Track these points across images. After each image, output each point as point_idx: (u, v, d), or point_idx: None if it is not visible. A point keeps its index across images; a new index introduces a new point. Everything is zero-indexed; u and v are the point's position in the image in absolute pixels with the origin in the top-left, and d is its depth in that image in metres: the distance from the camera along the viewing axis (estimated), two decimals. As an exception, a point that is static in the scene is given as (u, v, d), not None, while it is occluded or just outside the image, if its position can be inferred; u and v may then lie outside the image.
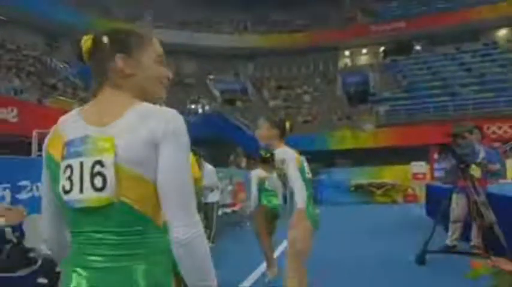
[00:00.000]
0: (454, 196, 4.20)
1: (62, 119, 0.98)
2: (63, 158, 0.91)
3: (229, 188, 8.58)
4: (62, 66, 17.15)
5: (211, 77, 25.70)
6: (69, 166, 0.90)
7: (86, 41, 0.96)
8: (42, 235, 1.03)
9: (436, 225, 4.09)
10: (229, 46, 25.76)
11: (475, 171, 3.87)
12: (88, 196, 0.88)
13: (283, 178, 2.46)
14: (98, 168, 0.88)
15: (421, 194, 12.18)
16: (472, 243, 4.37)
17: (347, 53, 28.11)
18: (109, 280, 0.87)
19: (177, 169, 0.89)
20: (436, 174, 7.71)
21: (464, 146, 3.98)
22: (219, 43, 25.69)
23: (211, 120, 16.66)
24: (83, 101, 5.70)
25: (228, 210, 7.96)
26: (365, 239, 6.06)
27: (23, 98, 8.81)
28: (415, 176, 12.35)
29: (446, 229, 4.56)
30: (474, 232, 4.30)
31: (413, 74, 20.89)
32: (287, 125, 2.59)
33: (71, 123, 0.95)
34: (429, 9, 25.08)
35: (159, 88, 1.00)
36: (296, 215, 2.32)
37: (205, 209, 4.77)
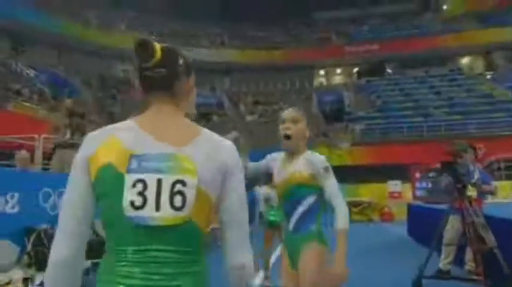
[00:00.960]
0: (450, 217, 4.04)
1: (115, 127, 0.95)
2: (130, 171, 0.88)
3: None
4: (28, 71, 16.25)
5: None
6: (142, 181, 0.87)
7: (157, 51, 0.95)
8: (51, 256, 0.91)
9: (432, 250, 3.88)
10: (205, 60, 25.56)
11: (472, 192, 3.75)
12: (165, 214, 0.88)
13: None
14: (179, 187, 0.89)
15: (397, 213, 12.25)
16: (467, 267, 4.24)
17: (322, 72, 28.72)
18: None
19: (242, 199, 0.98)
20: (418, 193, 7.68)
21: (461, 165, 3.86)
22: (196, 56, 25.26)
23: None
24: (53, 110, 5.23)
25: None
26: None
27: (-18, 103, 8.09)
28: (391, 194, 12.42)
29: (439, 251, 4.39)
30: (468, 256, 4.16)
31: (386, 95, 21.50)
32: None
33: (132, 135, 0.93)
34: (400, 33, 26.27)
35: (192, 108, 1.09)
36: (339, 238, 1.80)
37: None
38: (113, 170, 0.88)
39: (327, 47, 27.21)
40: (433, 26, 26.71)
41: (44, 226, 3.50)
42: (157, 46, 0.95)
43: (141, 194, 0.86)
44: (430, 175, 7.03)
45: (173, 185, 0.87)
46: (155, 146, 0.90)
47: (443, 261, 4.20)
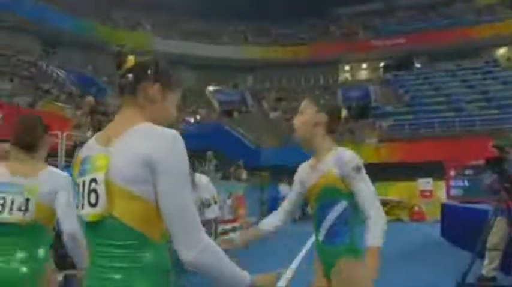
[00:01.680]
0: (496, 219, 3.68)
1: (88, 143, 1.08)
2: (77, 176, 1.03)
3: (228, 202, 8.01)
4: (57, 72, 16.79)
5: (210, 88, 25.36)
6: (78, 184, 1.01)
7: (130, 61, 1.05)
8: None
9: (476, 255, 3.54)
10: (229, 57, 25.55)
11: (521, 191, 3.39)
12: (86, 211, 0.97)
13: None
14: (93, 185, 0.95)
15: (429, 213, 11.70)
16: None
17: (347, 67, 28.05)
18: None
19: (174, 193, 0.94)
20: (453, 192, 7.24)
21: (508, 162, 3.50)
22: (219, 54, 25.46)
23: (209, 132, 16.17)
24: (77, 108, 5.24)
25: (228, 227, 7.36)
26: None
27: (14, 102, 8.34)
28: (422, 193, 11.86)
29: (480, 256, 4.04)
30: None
31: (415, 90, 20.69)
32: (342, 113, 1.76)
33: (88, 145, 1.05)
34: (429, 25, 25.17)
35: (166, 121, 1.08)
36: (368, 257, 1.51)
37: None
38: (73, 179, 1.06)
39: (352, 42, 26.54)
40: (465, 16, 25.43)
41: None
42: (131, 57, 1.05)
43: (80, 195, 1.00)
44: (467, 172, 6.58)
45: (90, 184, 0.96)
46: (93, 149, 1.01)
47: (487, 267, 3.85)
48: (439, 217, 8.95)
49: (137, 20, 25.73)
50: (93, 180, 0.94)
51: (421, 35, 24.34)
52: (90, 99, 5.36)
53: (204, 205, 4.41)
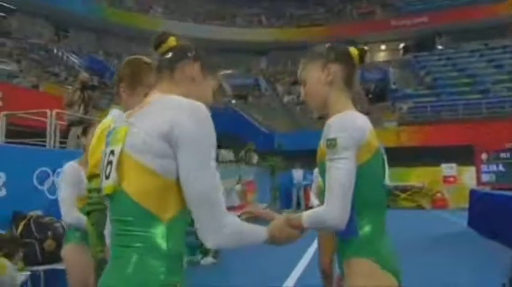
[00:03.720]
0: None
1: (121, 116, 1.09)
2: (105, 146, 1.01)
3: (237, 187, 7.57)
4: (67, 55, 16.65)
5: (222, 71, 24.92)
6: (104, 157, 0.99)
7: (171, 40, 1.05)
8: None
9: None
10: (242, 40, 24.95)
11: None
12: (104, 184, 0.95)
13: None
14: (111, 157, 0.94)
15: (452, 200, 11.04)
16: None
17: (365, 48, 26.94)
18: (112, 270, 0.92)
19: (197, 171, 0.89)
20: (484, 178, 6.61)
21: None
22: (232, 37, 24.88)
23: (221, 115, 15.77)
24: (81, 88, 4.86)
25: (236, 214, 6.84)
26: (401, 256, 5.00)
27: (16, 82, 8.10)
28: (445, 179, 11.17)
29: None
30: None
31: (437, 71, 19.68)
32: (354, 53, 1.24)
33: (120, 117, 1.07)
34: (453, 3, 23.78)
35: (204, 96, 1.06)
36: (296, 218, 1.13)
37: None
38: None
39: (370, 22, 25.44)
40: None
41: (37, 212, 3.06)
42: (173, 37, 1.05)
43: (102, 167, 0.97)
44: (502, 155, 5.94)
45: (109, 156, 0.94)
46: (119, 121, 1.01)
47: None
48: (463, 205, 8.34)
49: (149, 3, 25.29)
50: (112, 152, 0.93)
51: (444, 13, 23.06)
52: (83, 75, 4.99)
53: None
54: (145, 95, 1.28)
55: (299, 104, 20.16)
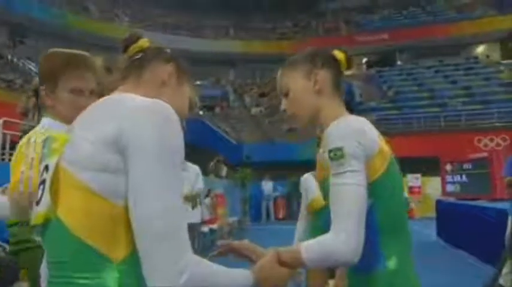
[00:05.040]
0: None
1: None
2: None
3: (207, 201, 7.32)
4: (23, 62, 15.77)
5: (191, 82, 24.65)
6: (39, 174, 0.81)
7: (143, 41, 0.90)
8: None
9: (502, 264, 3.04)
10: (210, 51, 24.86)
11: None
12: (34, 212, 0.76)
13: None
14: (44, 175, 0.76)
15: (418, 210, 11.37)
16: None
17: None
18: None
19: (145, 193, 0.65)
20: (449, 189, 6.84)
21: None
22: (200, 48, 24.73)
23: (188, 126, 15.42)
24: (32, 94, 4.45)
25: (205, 228, 6.55)
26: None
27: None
28: (411, 189, 11.49)
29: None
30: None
31: (398, 85, 20.61)
32: (341, 57, 1.11)
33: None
34: (411, 22, 25.23)
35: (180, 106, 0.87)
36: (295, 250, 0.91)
37: None
38: None
39: (335, 37, 26.30)
40: (446, 13, 25.59)
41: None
42: (145, 39, 0.91)
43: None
44: (465, 167, 6.18)
45: (42, 173, 0.76)
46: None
47: (506, 276, 3.35)
48: (429, 215, 8.59)
49: (113, 11, 24.64)
50: (46, 168, 0.75)
51: (403, 31, 24.36)
52: (36, 80, 4.62)
53: (186, 203, 3.72)
54: (78, 92, 1.09)
55: (267, 116, 20.25)
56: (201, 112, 20.72)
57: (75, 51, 1.31)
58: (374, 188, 0.91)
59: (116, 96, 0.77)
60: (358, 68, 26.85)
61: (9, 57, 15.93)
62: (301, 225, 2.33)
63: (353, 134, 0.92)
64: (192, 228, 3.70)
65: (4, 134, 3.95)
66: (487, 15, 23.47)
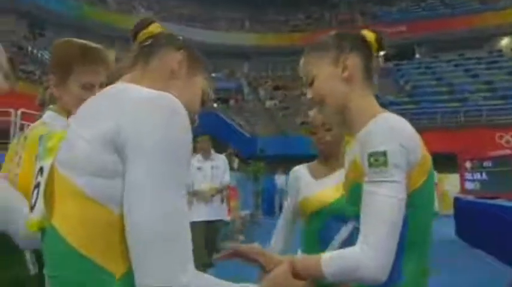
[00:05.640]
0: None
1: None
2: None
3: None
4: (42, 53, 16.09)
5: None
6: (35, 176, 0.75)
7: (155, 27, 0.82)
8: None
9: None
10: (224, 44, 24.80)
11: None
12: (28, 218, 0.70)
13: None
14: (39, 177, 0.70)
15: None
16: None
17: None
18: None
19: (143, 196, 0.57)
20: (469, 186, 6.65)
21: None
22: (215, 40, 24.69)
23: (203, 119, 15.46)
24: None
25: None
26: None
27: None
28: (426, 186, 11.21)
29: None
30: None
31: (416, 79, 20.13)
32: (371, 38, 1.00)
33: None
34: (431, 13, 24.50)
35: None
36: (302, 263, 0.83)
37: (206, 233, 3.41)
38: None
39: (350, 29, 25.77)
40: (468, 4, 24.75)
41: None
42: (157, 24, 0.83)
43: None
44: (485, 164, 5.98)
45: (37, 175, 0.70)
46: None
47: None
48: (446, 212, 8.38)
49: (131, 3, 24.80)
50: (41, 170, 0.69)
51: (422, 23, 23.68)
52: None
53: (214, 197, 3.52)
54: (89, 87, 1.00)
55: (281, 109, 20.13)
56: (215, 105, 20.76)
57: (91, 44, 1.22)
58: (411, 200, 0.82)
59: (118, 86, 0.69)
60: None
61: (29, 48, 16.24)
62: (282, 229, 1.66)
63: (397, 136, 0.82)
64: (219, 225, 3.60)
65: (22, 125, 4.01)
66: (511, 5, 22.60)
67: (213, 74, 24.76)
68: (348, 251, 0.79)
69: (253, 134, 16.94)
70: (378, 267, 0.75)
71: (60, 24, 20.45)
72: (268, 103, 21.72)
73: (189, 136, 0.63)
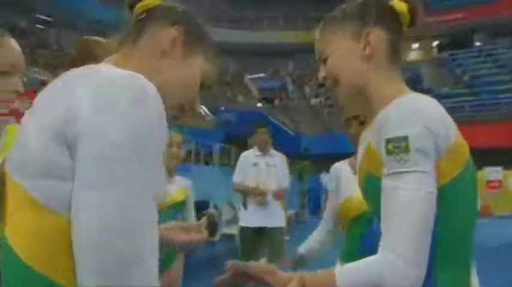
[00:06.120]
0: None
1: None
2: None
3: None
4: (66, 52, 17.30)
5: (248, 76, 24.97)
6: None
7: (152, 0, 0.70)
8: None
9: None
10: (268, 43, 24.92)
11: None
12: None
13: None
14: None
15: (497, 207, 10.22)
16: None
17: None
18: None
19: (89, 194, 0.47)
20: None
21: None
22: (258, 40, 24.89)
23: (249, 119, 15.64)
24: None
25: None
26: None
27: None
28: (489, 184, 10.32)
29: None
30: None
31: (475, 69, 18.67)
32: (403, 9, 0.79)
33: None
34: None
35: (176, 95, 0.66)
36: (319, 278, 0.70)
37: (269, 241, 2.98)
38: None
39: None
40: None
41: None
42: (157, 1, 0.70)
43: None
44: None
45: None
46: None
47: None
48: (509, 212, 7.66)
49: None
50: None
51: (479, 8, 21.92)
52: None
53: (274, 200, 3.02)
54: None
55: (327, 107, 19.72)
56: (259, 104, 20.87)
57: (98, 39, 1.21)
58: (442, 196, 0.67)
59: (83, 70, 0.56)
60: (428, 51, 24.89)
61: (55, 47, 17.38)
62: (320, 234, 1.50)
63: (422, 118, 0.66)
64: (277, 232, 3.05)
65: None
66: None
67: (257, 75, 25.02)
68: (368, 261, 0.66)
69: (298, 133, 16.80)
70: (406, 279, 0.62)
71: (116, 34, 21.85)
72: (314, 101, 21.41)
73: (161, 129, 0.51)
